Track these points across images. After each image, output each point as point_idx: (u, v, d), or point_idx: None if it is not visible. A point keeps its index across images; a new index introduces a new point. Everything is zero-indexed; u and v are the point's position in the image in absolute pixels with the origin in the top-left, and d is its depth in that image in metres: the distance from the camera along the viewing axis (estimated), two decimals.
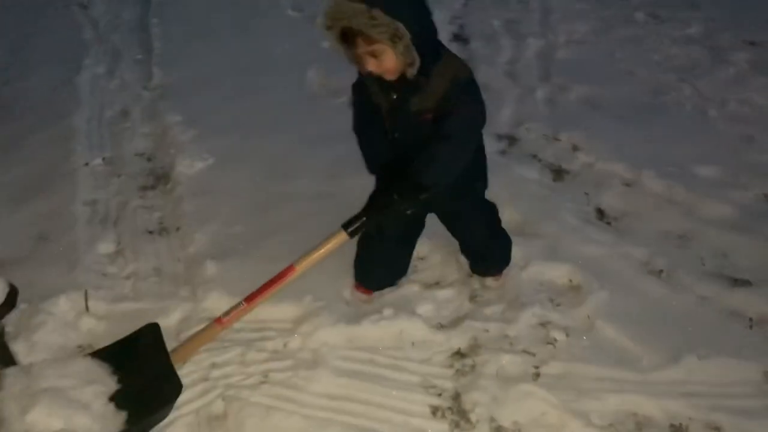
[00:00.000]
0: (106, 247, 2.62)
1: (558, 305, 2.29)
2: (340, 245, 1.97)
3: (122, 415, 1.86)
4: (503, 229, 2.32)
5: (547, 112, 3.39)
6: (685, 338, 2.13)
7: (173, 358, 1.99)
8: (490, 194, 2.48)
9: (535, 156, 3.08)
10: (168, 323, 2.25)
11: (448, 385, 2.04)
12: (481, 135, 2.01)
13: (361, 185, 2.79)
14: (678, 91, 3.55)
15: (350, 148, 3.04)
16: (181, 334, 2.21)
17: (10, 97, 3.74)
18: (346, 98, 3.63)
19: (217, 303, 2.29)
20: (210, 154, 3.09)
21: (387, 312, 2.23)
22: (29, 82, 3.86)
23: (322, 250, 1.97)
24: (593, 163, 3.00)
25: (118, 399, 1.89)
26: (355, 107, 2.04)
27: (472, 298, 2.35)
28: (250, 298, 2.01)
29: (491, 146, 2.83)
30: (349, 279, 2.35)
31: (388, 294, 2.33)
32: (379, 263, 2.28)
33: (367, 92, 1.93)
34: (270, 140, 3.22)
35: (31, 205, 2.85)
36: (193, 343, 2.06)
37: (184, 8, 4.73)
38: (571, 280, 2.39)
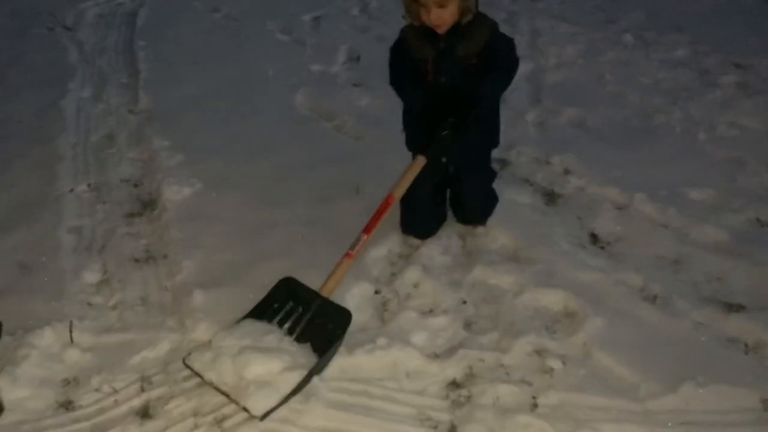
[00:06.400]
0: (91, 276, 2.56)
1: (554, 333, 2.26)
2: (421, 168, 2.30)
3: (309, 347, 2.09)
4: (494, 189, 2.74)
5: (538, 135, 3.39)
6: (683, 366, 2.10)
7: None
8: None
9: (527, 180, 3.07)
10: (156, 354, 2.21)
11: (444, 417, 1.99)
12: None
13: (351, 209, 2.81)
14: (667, 114, 3.56)
15: (340, 172, 3.06)
16: (170, 365, 2.15)
17: None
18: (335, 122, 3.62)
19: (205, 333, 2.23)
20: (198, 179, 3.05)
21: (381, 341, 2.18)
22: (13, 105, 3.81)
23: (408, 176, 2.30)
24: (585, 186, 2.99)
25: (296, 338, 2.11)
26: (395, 64, 2.36)
27: (467, 325, 2.31)
28: (367, 230, 2.27)
29: None
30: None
31: (380, 326, 2.28)
32: (423, 215, 2.62)
33: (406, 51, 2.29)
34: (259, 165, 3.19)
35: (14, 232, 2.78)
36: (333, 279, 2.22)
37: (170, 31, 4.71)
38: (566, 307, 2.36)
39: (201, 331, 2.24)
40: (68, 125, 3.56)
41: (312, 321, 2.13)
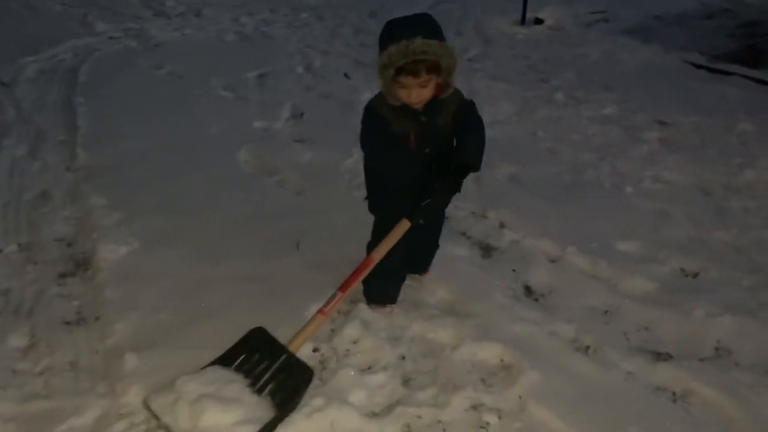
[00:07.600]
0: (17, 340, 2.47)
1: (490, 386, 2.28)
2: (405, 231, 2.30)
3: (268, 401, 2.09)
4: None
5: (475, 190, 3.48)
6: (615, 416, 2.14)
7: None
8: None
9: (464, 233, 3.15)
10: (84, 422, 2.12)
11: None
12: None
13: (291, 265, 2.80)
14: (597, 169, 3.74)
15: (282, 227, 3.07)
16: None
17: None
18: (278, 177, 3.65)
19: (136, 398, 2.16)
20: (135, 237, 3.00)
21: (317, 402, 2.15)
22: None
23: (392, 238, 2.29)
24: (519, 239, 3.09)
25: (257, 390, 2.12)
26: (375, 135, 2.31)
27: (405, 381, 2.31)
28: (343, 288, 2.26)
29: None
30: None
31: (318, 385, 2.26)
32: (395, 281, 2.60)
33: (385, 126, 2.27)
34: (199, 222, 3.16)
35: None
36: (302, 335, 2.24)
37: (112, 87, 4.70)
38: (502, 360, 2.39)
39: (132, 396, 2.17)
40: (0, 184, 3.47)
41: (275, 375, 2.16)
